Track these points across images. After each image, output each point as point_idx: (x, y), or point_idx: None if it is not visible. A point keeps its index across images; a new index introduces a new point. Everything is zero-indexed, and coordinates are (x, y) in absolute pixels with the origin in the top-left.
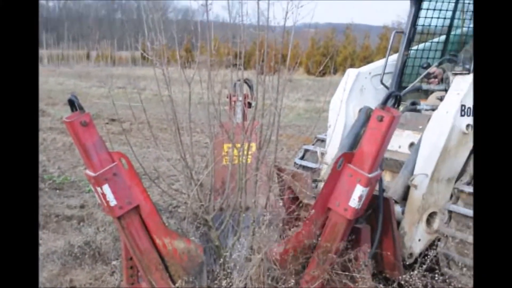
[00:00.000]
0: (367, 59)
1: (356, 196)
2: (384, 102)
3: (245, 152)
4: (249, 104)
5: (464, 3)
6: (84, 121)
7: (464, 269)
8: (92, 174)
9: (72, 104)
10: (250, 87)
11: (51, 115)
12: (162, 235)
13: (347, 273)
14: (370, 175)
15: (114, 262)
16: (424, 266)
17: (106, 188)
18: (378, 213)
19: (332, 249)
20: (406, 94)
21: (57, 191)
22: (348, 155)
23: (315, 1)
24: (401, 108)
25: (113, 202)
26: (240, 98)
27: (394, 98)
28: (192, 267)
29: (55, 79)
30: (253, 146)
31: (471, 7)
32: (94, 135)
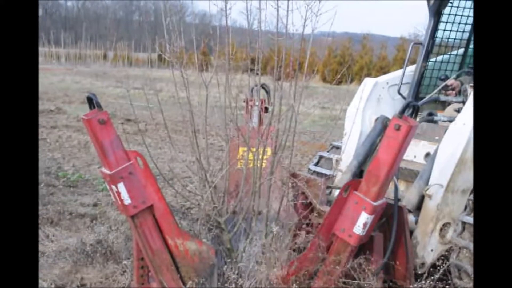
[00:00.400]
0: (383, 70)
1: (361, 223)
2: (402, 111)
3: (260, 156)
4: (266, 109)
5: None
6: (102, 119)
7: None
8: (108, 172)
9: (91, 101)
10: (267, 91)
11: (67, 113)
12: (175, 236)
13: (356, 281)
14: (375, 203)
15: (125, 262)
16: (437, 276)
17: (121, 187)
18: (392, 222)
19: (336, 271)
20: (423, 105)
21: (71, 188)
22: (355, 183)
23: (334, 9)
24: (418, 118)
25: (127, 200)
26: (257, 103)
27: (412, 108)
28: (203, 269)
29: (72, 77)
30: (268, 150)
31: None
32: (112, 133)
